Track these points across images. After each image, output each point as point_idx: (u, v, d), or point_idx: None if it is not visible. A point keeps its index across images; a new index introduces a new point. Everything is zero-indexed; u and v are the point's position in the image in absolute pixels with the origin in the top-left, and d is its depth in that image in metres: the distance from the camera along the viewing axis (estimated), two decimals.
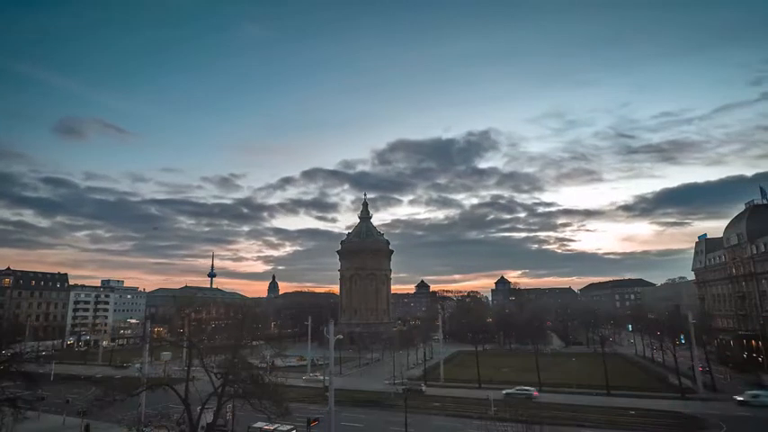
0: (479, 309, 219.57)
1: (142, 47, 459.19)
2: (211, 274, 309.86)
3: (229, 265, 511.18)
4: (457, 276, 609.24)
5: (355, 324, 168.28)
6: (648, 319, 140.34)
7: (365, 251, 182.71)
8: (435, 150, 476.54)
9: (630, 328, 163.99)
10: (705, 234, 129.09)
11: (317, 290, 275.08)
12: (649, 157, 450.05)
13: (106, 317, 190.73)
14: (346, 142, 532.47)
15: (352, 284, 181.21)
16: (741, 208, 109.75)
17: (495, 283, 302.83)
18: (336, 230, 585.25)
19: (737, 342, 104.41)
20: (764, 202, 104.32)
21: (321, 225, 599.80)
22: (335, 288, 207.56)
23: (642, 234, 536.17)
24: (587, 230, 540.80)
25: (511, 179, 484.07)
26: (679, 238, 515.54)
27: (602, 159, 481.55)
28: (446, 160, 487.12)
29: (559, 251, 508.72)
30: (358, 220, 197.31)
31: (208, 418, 41.97)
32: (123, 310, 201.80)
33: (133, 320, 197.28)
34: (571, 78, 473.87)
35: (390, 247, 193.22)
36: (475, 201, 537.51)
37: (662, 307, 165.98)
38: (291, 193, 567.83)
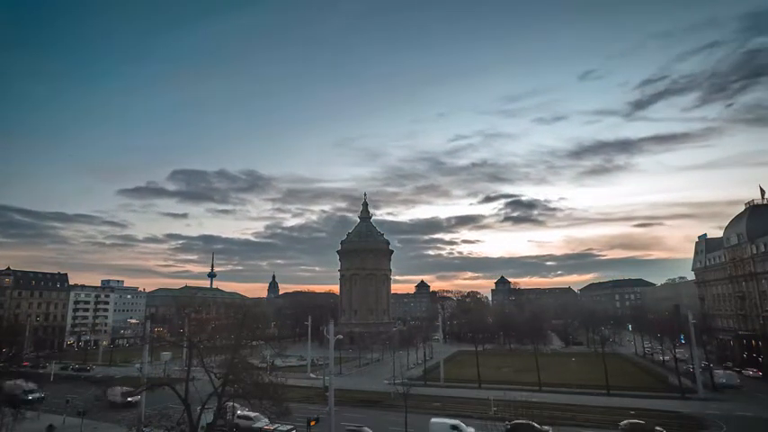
0: (479, 309, 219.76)
1: None
2: (211, 275, 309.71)
3: (159, 266, 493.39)
4: None
5: (355, 324, 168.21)
6: (648, 319, 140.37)
7: (365, 251, 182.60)
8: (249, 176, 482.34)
9: (630, 328, 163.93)
10: (705, 234, 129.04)
11: (317, 290, 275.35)
12: (477, 177, 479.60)
13: (106, 317, 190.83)
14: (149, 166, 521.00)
15: (352, 284, 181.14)
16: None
17: (496, 283, 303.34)
18: (225, 235, 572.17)
19: (737, 342, 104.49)
20: (764, 202, 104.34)
21: (199, 231, 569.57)
22: (335, 288, 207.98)
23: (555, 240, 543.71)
24: (490, 235, 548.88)
25: (339, 195, 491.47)
26: (589, 242, 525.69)
27: (435, 178, 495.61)
28: (249, 184, 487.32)
29: (473, 256, 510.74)
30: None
31: (208, 418, 41.96)
32: (123, 310, 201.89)
33: (133, 320, 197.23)
34: (358, 110, 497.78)
35: (390, 248, 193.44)
36: (327, 207, 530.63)
37: (662, 307, 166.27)
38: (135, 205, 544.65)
